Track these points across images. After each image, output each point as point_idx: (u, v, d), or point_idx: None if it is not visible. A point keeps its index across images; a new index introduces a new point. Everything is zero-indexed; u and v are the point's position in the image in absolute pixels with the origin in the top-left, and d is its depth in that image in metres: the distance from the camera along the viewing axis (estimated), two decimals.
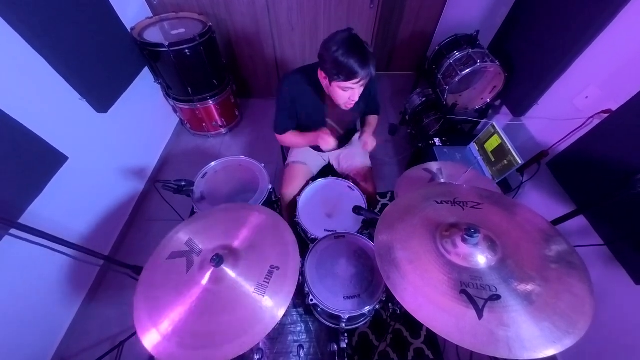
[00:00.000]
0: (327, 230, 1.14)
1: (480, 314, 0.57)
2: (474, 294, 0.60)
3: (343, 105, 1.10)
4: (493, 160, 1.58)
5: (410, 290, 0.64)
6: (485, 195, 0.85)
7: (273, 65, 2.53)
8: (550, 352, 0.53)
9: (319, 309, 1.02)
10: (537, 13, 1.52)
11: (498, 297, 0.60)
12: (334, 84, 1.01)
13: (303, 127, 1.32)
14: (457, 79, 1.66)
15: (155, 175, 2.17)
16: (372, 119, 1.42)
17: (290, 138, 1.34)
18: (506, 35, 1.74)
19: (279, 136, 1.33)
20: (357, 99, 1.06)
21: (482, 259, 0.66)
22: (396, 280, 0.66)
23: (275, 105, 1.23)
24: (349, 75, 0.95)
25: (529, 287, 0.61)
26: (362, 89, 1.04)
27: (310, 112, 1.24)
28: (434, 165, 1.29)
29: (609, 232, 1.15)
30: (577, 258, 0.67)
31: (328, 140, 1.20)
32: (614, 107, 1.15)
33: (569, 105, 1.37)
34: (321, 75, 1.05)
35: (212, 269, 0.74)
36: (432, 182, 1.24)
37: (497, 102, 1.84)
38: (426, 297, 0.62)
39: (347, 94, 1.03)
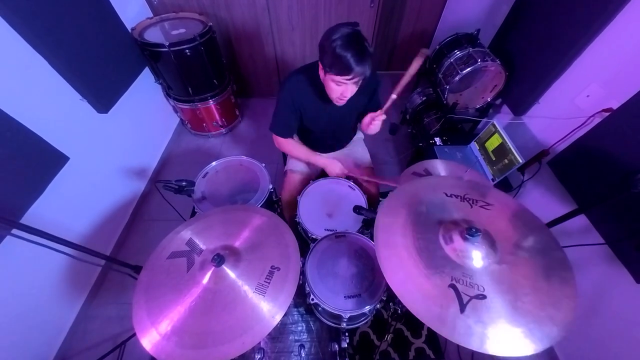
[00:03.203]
0: (328, 230, 1.14)
1: (462, 309, 0.60)
2: (462, 290, 0.62)
3: (335, 100, 1.10)
4: (494, 159, 1.58)
5: (401, 275, 0.66)
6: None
7: (273, 64, 2.53)
8: (520, 353, 0.56)
9: (319, 309, 1.02)
10: (538, 11, 1.51)
11: (483, 297, 0.61)
12: (328, 76, 1.00)
13: (306, 128, 1.31)
14: (457, 78, 1.65)
15: (156, 175, 2.17)
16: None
17: (290, 147, 1.34)
18: (507, 34, 1.73)
19: (276, 137, 1.31)
20: (348, 96, 1.06)
21: (478, 260, 0.67)
22: (390, 263, 0.68)
23: (274, 105, 1.22)
24: (343, 70, 0.94)
25: (517, 294, 0.62)
26: (355, 87, 1.03)
27: (313, 113, 1.24)
28: (433, 163, 1.29)
29: (610, 231, 1.15)
30: (570, 274, 0.67)
31: (335, 171, 1.31)
32: (616, 106, 1.14)
33: (570, 104, 1.36)
34: (320, 66, 1.04)
35: (212, 268, 0.74)
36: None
37: (498, 101, 1.83)
38: (415, 284, 0.64)
39: (339, 88, 1.02)
